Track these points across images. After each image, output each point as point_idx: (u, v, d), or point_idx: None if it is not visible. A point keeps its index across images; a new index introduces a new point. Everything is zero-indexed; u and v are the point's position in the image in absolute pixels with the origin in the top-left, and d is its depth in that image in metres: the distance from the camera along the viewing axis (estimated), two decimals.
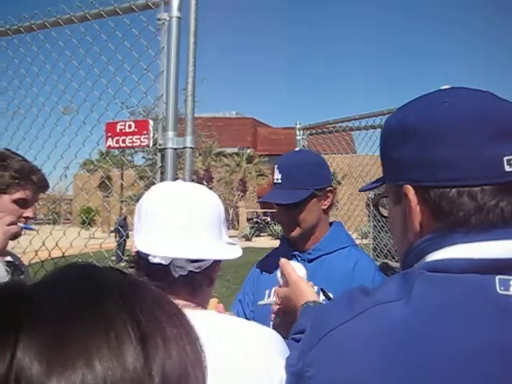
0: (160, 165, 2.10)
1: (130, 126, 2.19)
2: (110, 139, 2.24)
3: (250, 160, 31.70)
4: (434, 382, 0.59)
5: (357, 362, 0.63)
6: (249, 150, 32.24)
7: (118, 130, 2.21)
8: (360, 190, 0.99)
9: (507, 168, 0.64)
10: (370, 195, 6.39)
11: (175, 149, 2.06)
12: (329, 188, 1.72)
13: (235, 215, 33.19)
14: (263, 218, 30.37)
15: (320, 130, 4.53)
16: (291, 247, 1.76)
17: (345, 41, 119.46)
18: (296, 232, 1.70)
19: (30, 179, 1.69)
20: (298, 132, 4.51)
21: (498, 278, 0.62)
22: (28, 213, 1.70)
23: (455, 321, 0.61)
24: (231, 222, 33.99)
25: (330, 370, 0.65)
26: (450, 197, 0.66)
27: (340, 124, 4.40)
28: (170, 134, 2.07)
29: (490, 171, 0.65)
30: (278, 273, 1.35)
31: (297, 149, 4.17)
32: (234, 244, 1.17)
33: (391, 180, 0.77)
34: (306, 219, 1.69)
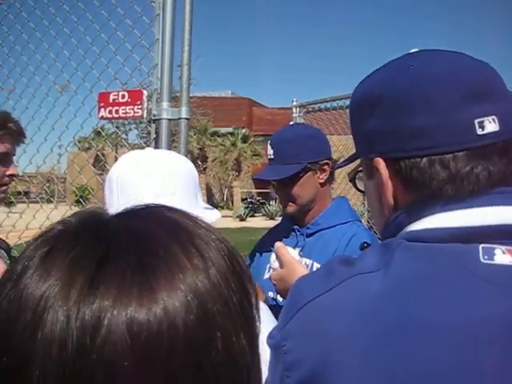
0: (154, 136, 2.05)
1: (123, 96, 2.12)
2: (102, 109, 2.17)
3: (245, 140, 31.55)
4: (403, 350, 0.55)
5: (331, 337, 0.59)
6: (244, 130, 32.06)
7: (111, 101, 2.15)
8: (336, 168, 0.95)
9: (479, 131, 0.61)
10: None
11: (170, 119, 2.00)
12: (324, 161, 1.66)
13: (230, 195, 33.19)
14: (258, 198, 30.36)
15: (317, 107, 4.46)
16: (291, 222, 1.73)
17: (341, 21, 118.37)
18: (292, 207, 1.66)
19: (8, 128, 1.53)
20: (294, 109, 4.45)
21: (481, 246, 0.58)
22: (12, 170, 1.57)
23: (436, 293, 0.57)
24: (226, 202, 34.01)
25: (306, 344, 0.61)
26: (421, 167, 0.63)
27: (337, 102, 4.34)
28: (165, 104, 2.01)
29: (462, 136, 0.61)
30: (273, 256, 1.33)
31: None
32: (211, 208, 1.13)
33: (362, 153, 0.73)
34: (301, 194, 1.65)
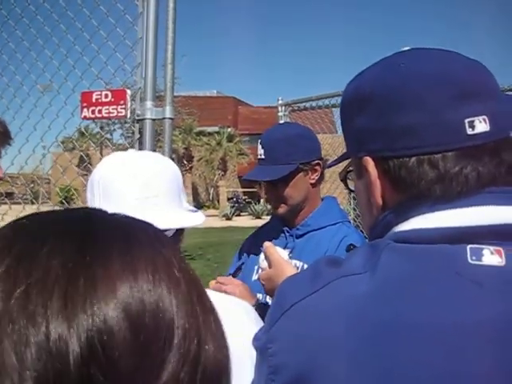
0: (138, 136, 2.02)
1: (106, 96, 2.09)
2: (85, 109, 2.14)
3: (230, 139, 31.51)
4: (390, 352, 0.54)
5: (317, 341, 0.58)
6: (229, 129, 32.02)
7: (93, 100, 2.11)
8: (327, 166, 0.94)
9: (469, 131, 0.60)
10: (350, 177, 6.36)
11: (154, 119, 1.98)
12: (316, 161, 1.64)
13: (216, 194, 33.13)
14: (244, 197, 30.35)
15: (302, 106, 4.45)
16: (280, 222, 1.71)
17: (328, 19, 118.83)
18: (283, 209, 1.63)
19: None
20: (279, 108, 4.44)
21: (469, 247, 0.57)
22: None
23: (422, 294, 0.56)
24: (212, 202, 33.92)
25: (291, 347, 0.60)
26: (410, 166, 0.61)
27: (323, 100, 4.34)
28: (149, 103, 1.98)
29: (451, 136, 0.60)
30: (262, 256, 1.31)
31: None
32: (196, 210, 1.12)
33: (352, 152, 0.72)
34: (293, 195, 1.62)
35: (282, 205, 1.63)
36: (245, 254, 1.80)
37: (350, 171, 0.78)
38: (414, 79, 0.63)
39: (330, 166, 0.89)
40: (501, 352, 0.52)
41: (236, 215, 26.05)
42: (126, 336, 0.33)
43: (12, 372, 0.31)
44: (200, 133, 31.53)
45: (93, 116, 2.13)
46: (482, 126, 0.60)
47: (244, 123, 34.66)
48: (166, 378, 0.35)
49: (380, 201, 0.67)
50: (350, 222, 1.75)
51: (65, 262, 0.35)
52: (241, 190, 32.59)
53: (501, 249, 0.57)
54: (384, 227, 0.66)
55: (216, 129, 32.33)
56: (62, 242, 0.37)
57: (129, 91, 2.05)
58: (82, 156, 3.06)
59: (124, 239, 0.39)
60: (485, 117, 0.60)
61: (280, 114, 4.39)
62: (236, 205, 27.91)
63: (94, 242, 0.37)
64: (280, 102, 4.40)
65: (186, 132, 30.24)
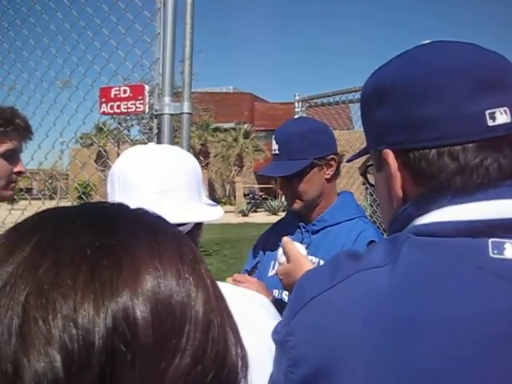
0: (156, 131, 2.03)
1: (124, 91, 2.10)
2: (104, 105, 2.15)
3: (247, 135, 31.51)
4: (411, 346, 0.54)
5: (337, 334, 0.58)
6: (246, 125, 32.01)
7: (112, 96, 2.13)
8: (347, 161, 0.94)
9: (490, 122, 0.59)
10: None
11: (172, 114, 1.98)
12: (331, 156, 1.62)
13: (232, 190, 33.18)
14: (260, 193, 30.34)
15: (319, 102, 4.43)
16: (297, 218, 1.70)
17: (343, 15, 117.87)
18: (298, 204, 1.63)
19: (15, 124, 1.48)
20: (296, 104, 4.42)
21: (490, 241, 0.56)
22: (19, 167, 1.53)
23: (443, 288, 0.55)
24: (228, 198, 33.98)
25: (311, 340, 0.60)
26: (430, 158, 0.61)
27: (340, 96, 4.31)
28: (167, 99, 1.99)
29: (472, 127, 0.60)
30: (280, 250, 1.31)
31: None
32: (215, 205, 1.12)
33: (372, 145, 0.72)
34: (308, 191, 1.61)
35: (298, 200, 1.62)
36: (260, 251, 1.79)
37: (370, 165, 0.78)
38: (433, 71, 0.63)
39: (349, 161, 0.88)
40: None
41: (252, 211, 26.07)
42: (148, 318, 0.34)
43: (38, 340, 0.31)
44: (216, 129, 31.58)
45: (111, 111, 2.14)
46: (502, 117, 0.60)
47: (260, 119, 34.62)
48: (181, 371, 0.35)
49: (400, 193, 0.66)
50: (366, 217, 1.73)
51: (92, 241, 0.35)
52: (257, 186, 32.59)
53: None
54: (404, 220, 0.66)
55: (232, 125, 32.34)
56: (87, 227, 0.37)
57: (147, 86, 2.06)
58: (99, 151, 3.09)
59: (149, 228, 0.39)
60: (506, 108, 0.60)
61: (297, 109, 4.38)
62: (252, 201, 27.93)
63: (119, 228, 0.38)
64: (297, 97, 4.39)
65: (202, 128, 30.32)
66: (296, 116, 4.29)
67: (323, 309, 0.61)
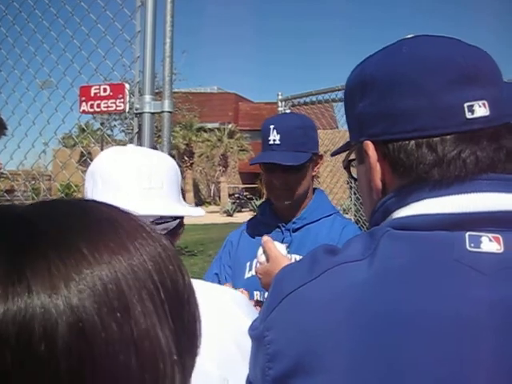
0: (137, 130, 2.01)
1: (105, 90, 2.08)
2: (84, 104, 2.13)
3: (231, 135, 31.45)
4: (391, 340, 0.54)
5: (314, 328, 0.58)
6: (230, 125, 31.95)
7: (92, 94, 2.11)
8: (331, 155, 0.94)
9: (468, 115, 0.60)
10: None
11: (152, 113, 1.97)
12: (320, 154, 1.65)
13: (217, 191, 33.12)
14: (245, 193, 30.34)
15: (302, 101, 4.44)
16: (273, 217, 1.69)
17: (324, 15, 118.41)
18: (290, 199, 1.60)
19: None
20: (279, 103, 4.43)
21: (467, 234, 0.57)
22: None
23: (421, 282, 0.56)
24: (213, 198, 33.91)
25: (290, 334, 0.60)
26: (409, 149, 0.62)
27: (322, 95, 4.33)
28: (147, 97, 1.98)
29: (450, 119, 0.60)
30: (260, 250, 1.31)
31: None
32: (194, 206, 1.16)
33: (354, 138, 0.72)
34: (302, 185, 1.60)
35: (292, 194, 1.60)
36: (236, 254, 1.74)
37: (353, 160, 0.78)
38: (414, 63, 0.63)
39: (334, 154, 0.88)
40: (503, 338, 0.52)
41: (237, 211, 26.05)
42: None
43: None
44: (201, 129, 31.46)
45: (91, 110, 2.12)
46: (481, 110, 0.60)
47: (245, 119, 34.60)
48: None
49: (379, 185, 0.67)
50: (340, 213, 1.75)
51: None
52: (242, 186, 32.58)
53: (499, 236, 0.56)
54: (383, 213, 0.66)
55: (217, 125, 32.26)
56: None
57: (127, 85, 2.04)
58: (82, 152, 3.06)
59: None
60: (485, 101, 0.60)
61: (280, 109, 4.39)
62: (237, 201, 27.92)
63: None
64: (280, 97, 4.39)
65: (186, 128, 30.19)
66: None
67: (301, 303, 0.61)
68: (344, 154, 0.81)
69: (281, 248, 1.30)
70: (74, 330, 0.31)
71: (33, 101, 2.51)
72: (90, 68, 2.28)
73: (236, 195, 29.75)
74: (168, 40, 1.95)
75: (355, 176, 0.79)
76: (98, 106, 2.10)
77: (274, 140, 1.56)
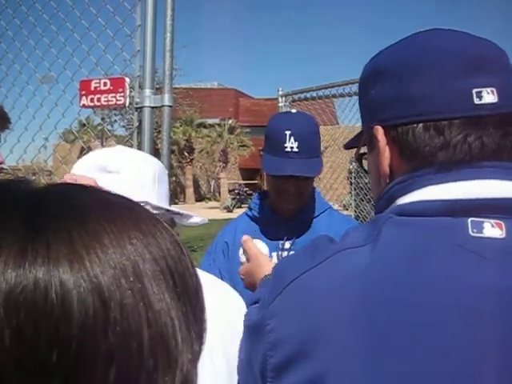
0: (137, 124, 2.01)
1: (105, 84, 2.08)
2: (84, 98, 2.13)
3: (231, 131, 31.42)
4: (393, 331, 0.54)
5: (319, 312, 0.58)
6: (230, 121, 31.91)
7: (92, 88, 2.11)
8: (345, 147, 0.95)
9: (476, 101, 0.61)
10: (350, 166, 6.39)
11: (152, 107, 1.97)
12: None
13: (217, 186, 33.12)
14: (245, 189, 30.34)
15: (303, 96, 4.43)
16: (273, 213, 1.67)
17: (328, 4, 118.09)
18: (300, 202, 1.60)
19: None
20: (280, 99, 4.42)
21: (470, 220, 0.58)
22: None
23: (425, 266, 0.56)
24: (213, 194, 33.91)
25: (292, 321, 0.60)
26: (417, 132, 0.63)
27: (323, 91, 4.32)
28: (147, 91, 1.97)
29: (459, 104, 0.61)
30: (241, 250, 1.29)
31: None
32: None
33: (365, 124, 0.74)
34: (310, 188, 1.62)
35: (301, 198, 1.58)
36: (232, 253, 1.68)
37: (364, 154, 0.79)
38: (425, 53, 0.65)
39: (347, 147, 0.88)
40: (507, 326, 0.53)
41: (237, 207, 26.06)
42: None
43: None
44: (201, 124, 31.43)
45: (91, 104, 2.12)
46: (489, 97, 0.61)
47: (245, 115, 34.59)
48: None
49: (387, 170, 0.68)
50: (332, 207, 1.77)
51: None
52: (242, 181, 32.57)
53: (502, 222, 0.57)
54: (387, 200, 0.67)
55: (217, 121, 32.23)
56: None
57: (127, 79, 2.04)
58: (82, 147, 3.06)
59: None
60: (493, 88, 0.61)
61: (280, 104, 4.38)
62: (237, 197, 27.92)
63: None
64: (280, 92, 4.38)
65: (186, 124, 30.17)
66: (280, 111, 4.29)
67: (303, 291, 0.61)
68: (346, 153, 0.82)
69: (262, 246, 1.28)
70: (93, 297, 0.31)
71: (33, 95, 2.51)
72: (91, 62, 2.28)
73: (236, 191, 29.73)
74: (168, 34, 1.95)
75: (366, 169, 0.79)
76: (99, 100, 2.09)
77: (292, 148, 1.51)
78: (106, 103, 2.08)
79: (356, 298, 0.57)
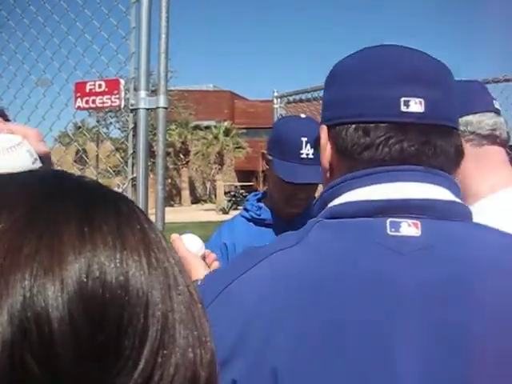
0: (132, 126, 2.01)
1: (100, 86, 2.08)
2: (79, 100, 2.13)
3: (227, 133, 31.41)
4: (323, 322, 0.59)
5: (252, 314, 0.61)
6: (226, 123, 31.92)
7: (87, 90, 2.11)
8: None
9: (403, 108, 0.67)
10: None
11: (148, 109, 1.97)
12: None
13: (212, 188, 33.11)
14: (241, 191, 30.35)
15: (298, 98, 4.45)
16: (272, 214, 1.66)
17: (319, 6, 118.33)
18: (306, 205, 1.58)
19: None
20: (275, 100, 4.43)
21: (389, 220, 0.63)
22: None
23: (346, 264, 0.62)
24: (209, 196, 33.89)
25: (227, 327, 0.62)
26: (349, 132, 0.69)
27: (318, 92, 4.33)
28: (143, 93, 1.97)
29: (387, 110, 0.67)
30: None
31: (275, 118, 4.09)
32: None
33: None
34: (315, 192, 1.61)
35: (307, 202, 1.57)
36: (223, 251, 1.66)
37: None
38: (366, 61, 0.73)
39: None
40: (419, 311, 0.58)
41: (233, 209, 26.06)
42: (69, 320, 0.28)
43: None
44: (196, 127, 31.43)
45: (87, 106, 2.12)
46: (416, 106, 0.67)
47: (240, 117, 34.60)
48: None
49: (327, 166, 0.74)
50: None
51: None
52: (238, 183, 32.57)
53: (418, 222, 0.63)
54: (322, 203, 0.73)
55: (213, 123, 32.23)
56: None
57: (122, 81, 2.04)
58: (78, 150, 3.05)
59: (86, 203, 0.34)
60: (421, 100, 0.67)
61: (275, 106, 4.39)
62: (233, 199, 27.92)
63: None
64: (275, 94, 4.39)
65: (182, 126, 30.17)
66: (275, 113, 4.30)
67: (238, 294, 0.64)
68: None
69: (192, 241, 1.19)
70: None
71: (28, 97, 2.51)
72: (85, 64, 2.28)
73: (232, 193, 29.72)
74: (163, 36, 1.95)
75: None
76: (94, 101, 2.09)
77: (308, 154, 1.52)
78: (101, 105, 2.09)
79: (284, 296, 0.61)
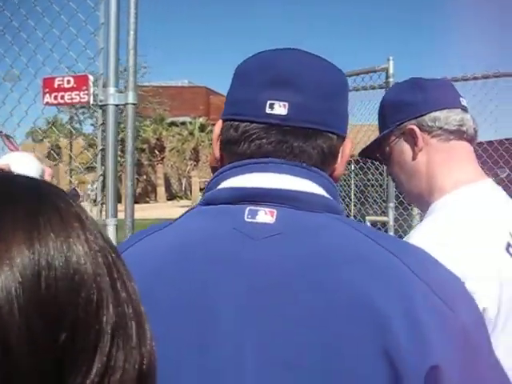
0: (101, 122, 2.01)
1: (68, 82, 2.06)
2: (47, 95, 2.11)
3: (202, 129, 31.28)
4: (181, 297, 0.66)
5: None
6: (201, 119, 31.77)
7: (55, 86, 2.09)
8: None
9: (268, 110, 0.73)
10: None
11: (117, 105, 1.97)
12: None
13: (188, 185, 32.97)
14: None
15: None
16: None
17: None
18: None
19: None
20: None
21: (248, 208, 0.70)
22: None
23: (203, 248, 0.69)
24: (184, 192, 33.73)
25: None
26: (227, 128, 0.77)
27: None
28: (111, 89, 1.97)
29: (256, 111, 0.74)
30: None
31: None
32: None
33: None
34: None
35: None
36: None
37: None
38: (250, 64, 0.80)
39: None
40: (263, 294, 0.64)
41: None
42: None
43: None
44: (172, 123, 31.22)
45: (55, 102, 2.10)
46: (280, 109, 0.73)
47: (216, 113, 34.45)
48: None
49: (218, 155, 0.81)
50: None
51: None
52: None
53: (274, 210, 0.70)
54: (206, 192, 0.79)
55: (188, 119, 32.06)
56: None
57: (91, 77, 2.03)
58: (50, 147, 3.02)
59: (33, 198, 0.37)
60: (286, 103, 0.73)
61: None
62: None
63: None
64: None
65: (157, 122, 29.92)
66: None
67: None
68: None
69: (27, 162, 1.23)
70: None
71: None
72: (54, 59, 2.26)
73: None
74: (132, 32, 1.95)
75: None
76: (62, 97, 2.07)
77: None
78: (69, 101, 2.07)
79: (146, 276, 0.66)
